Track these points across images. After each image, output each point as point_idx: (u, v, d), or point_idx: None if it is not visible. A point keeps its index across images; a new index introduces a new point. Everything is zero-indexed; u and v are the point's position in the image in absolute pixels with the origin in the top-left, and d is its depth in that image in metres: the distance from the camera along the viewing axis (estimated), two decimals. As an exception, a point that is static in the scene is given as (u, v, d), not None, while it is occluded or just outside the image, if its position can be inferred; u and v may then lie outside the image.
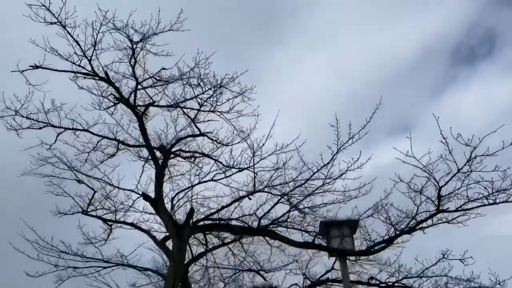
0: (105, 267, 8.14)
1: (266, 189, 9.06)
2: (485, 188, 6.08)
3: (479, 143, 5.47)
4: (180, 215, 8.44)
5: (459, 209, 6.50)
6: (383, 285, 8.89)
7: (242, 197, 9.14)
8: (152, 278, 8.90)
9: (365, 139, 7.16)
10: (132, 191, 8.00)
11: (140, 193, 7.69)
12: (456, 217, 7.39)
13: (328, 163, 7.09)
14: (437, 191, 6.33)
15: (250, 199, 9.25)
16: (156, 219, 9.91)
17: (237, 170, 8.32)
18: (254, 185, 9.03)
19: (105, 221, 9.63)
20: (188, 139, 9.30)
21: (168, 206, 8.62)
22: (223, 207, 9.06)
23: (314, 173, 7.30)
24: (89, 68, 7.97)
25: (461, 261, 7.66)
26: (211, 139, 9.28)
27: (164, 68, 7.79)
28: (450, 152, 5.59)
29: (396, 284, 8.68)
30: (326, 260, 10.57)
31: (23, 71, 7.60)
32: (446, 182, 6.13)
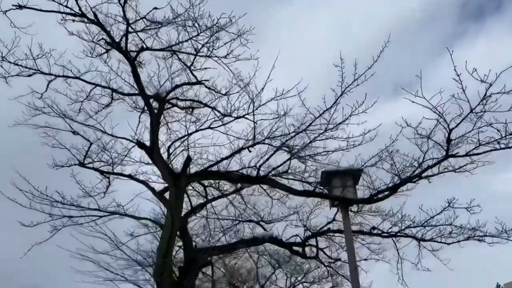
0: (101, 216, 7.98)
1: (266, 141, 8.76)
2: (498, 131, 5.71)
3: (495, 80, 5.05)
4: (177, 165, 8.16)
5: (469, 153, 6.16)
6: (385, 234, 8.76)
7: (241, 149, 8.84)
8: (150, 228, 8.78)
9: (369, 88, 6.72)
10: (127, 139, 7.69)
11: (135, 141, 7.38)
12: (464, 165, 7.08)
13: (331, 106, 6.69)
14: (447, 134, 5.97)
15: (250, 151, 8.96)
16: (155, 171, 9.72)
17: (236, 117, 7.93)
18: (254, 137, 8.71)
19: (102, 173, 9.43)
20: (184, 87, 8.90)
21: (164, 156, 8.36)
22: (222, 159, 8.79)
23: (316, 118, 6.91)
24: (76, 9, 7.47)
25: (467, 210, 7.43)
26: (209, 88, 8.88)
27: (156, 8, 7.26)
28: (463, 91, 5.18)
29: (399, 234, 8.53)
30: (328, 212, 10.43)
31: (6, 11, 7.11)
32: (457, 124, 5.75)
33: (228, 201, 10.99)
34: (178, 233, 9.02)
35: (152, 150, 7.14)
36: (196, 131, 7.74)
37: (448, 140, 6.03)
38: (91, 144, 9.12)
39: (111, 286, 6.89)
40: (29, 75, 8.37)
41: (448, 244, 8.13)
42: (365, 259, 10.88)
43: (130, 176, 9.38)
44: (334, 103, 6.61)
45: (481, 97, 5.28)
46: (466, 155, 6.21)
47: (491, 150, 6.01)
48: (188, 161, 7.23)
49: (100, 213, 8.02)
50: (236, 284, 17.01)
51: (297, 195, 7.25)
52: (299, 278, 19.04)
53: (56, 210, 7.54)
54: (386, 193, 6.98)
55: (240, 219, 10.29)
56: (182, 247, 8.33)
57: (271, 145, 8.53)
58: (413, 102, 5.35)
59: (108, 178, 9.52)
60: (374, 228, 8.97)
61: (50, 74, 8.32)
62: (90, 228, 7.32)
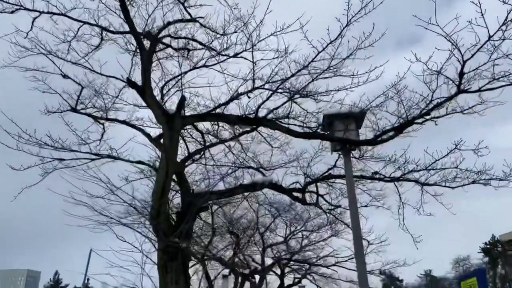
0: (93, 159, 7.70)
1: (266, 86, 8.32)
2: (514, 63, 5.27)
3: (518, 3, 4.55)
4: (171, 108, 7.76)
5: (482, 89, 5.76)
6: (387, 179, 8.54)
7: (239, 94, 8.43)
8: (146, 172, 8.54)
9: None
10: (117, 78, 7.24)
11: (125, 79, 6.94)
12: (473, 106, 6.71)
13: (335, 39, 6.17)
14: (460, 66, 5.52)
15: (249, 97, 8.57)
16: (151, 118, 9.38)
17: (233, 55, 7.43)
18: (254, 80, 8.27)
19: (96, 119, 9.10)
20: (178, 26, 8.34)
21: (158, 98, 7.96)
22: (219, 105, 8.41)
23: (319, 52, 6.42)
24: None
25: (475, 152, 7.13)
26: (204, 26, 8.32)
27: None
28: (482, 15, 4.68)
29: (401, 178, 8.30)
30: (329, 158, 10.20)
31: None
32: (472, 55, 5.30)
33: (227, 149, 10.76)
34: (175, 178, 8.83)
35: (143, 90, 6.72)
36: (191, 70, 7.27)
37: (461, 74, 5.60)
38: (82, 88, 8.74)
39: (106, 230, 6.71)
40: (12, 12, 7.89)
41: (453, 188, 7.92)
42: (366, 206, 10.78)
43: (124, 122, 9.06)
44: (339, 35, 6.09)
45: (500, 23, 4.79)
46: (479, 90, 5.81)
47: (505, 85, 5.59)
48: (182, 100, 6.84)
49: (92, 156, 7.72)
50: (236, 233, 17.14)
51: (297, 137, 6.91)
52: (299, 227, 19.25)
53: (46, 153, 7.26)
54: (390, 134, 6.63)
55: (239, 166, 10.07)
56: (180, 192, 8.13)
57: (271, 90, 8.11)
58: (426, 28, 4.86)
59: (103, 124, 9.21)
60: (376, 173, 8.74)
61: (34, 10, 7.83)
62: (83, 172, 7.04)
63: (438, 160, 7.47)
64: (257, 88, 8.42)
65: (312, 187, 10.33)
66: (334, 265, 20.00)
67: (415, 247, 8.50)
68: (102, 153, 7.85)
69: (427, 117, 6.91)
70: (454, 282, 69.72)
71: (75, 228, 6.66)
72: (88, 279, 37.76)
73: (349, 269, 19.37)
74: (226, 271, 18.58)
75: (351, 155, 8.31)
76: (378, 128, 6.81)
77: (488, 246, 63.12)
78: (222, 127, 10.89)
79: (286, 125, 8.01)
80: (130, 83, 6.84)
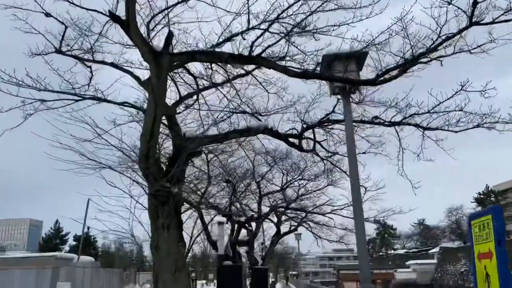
0: (76, 100, 7.28)
1: (262, 26, 7.75)
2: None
3: None
4: (159, 45, 7.23)
5: (496, 20, 5.27)
6: (387, 123, 8.21)
7: (233, 35, 7.88)
8: (134, 116, 8.16)
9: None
10: (100, 12, 6.63)
11: (108, 12, 6.36)
12: (482, 45, 6.23)
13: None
14: (474, -6, 5.00)
15: (244, 39, 8.04)
16: (141, 62, 8.88)
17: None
18: (249, 21, 7.68)
19: (82, 61, 8.57)
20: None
21: (145, 36, 7.40)
22: (212, 46, 7.88)
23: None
24: None
25: (481, 93, 6.74)
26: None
27: None
28: None
29: (402, 122, 7.97)
30: (327, 104, 9.82)
31: None
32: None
33: (222, 94, 10.32)
34: (166, 123, 8.48)
35: (128, 24, 6.18)
36: (179, 2, 6.66)
37: (475, 3, 5.09)
38: (66, 27, 8.16)
39: (92, 174, 6.44)
40: None
41: (456, 132, 7.62)
42: (364, 153, 10.54)
43: (112, 64, 8.55)
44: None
45: None
46: (493, 22, 5.32)
47: (523, 16, 5.10)
48: (170, 36, 6.32)
49: (76, 98, 7.30)
50: (232, 182, 17.09)
51: (294, 76, 6.47)
52: (296, 176, 19.24)
53: (27, 93, 6.82)
54: (394, 73, 6.19)
55: (234, 111, 9.68)
56: (171, 136, 7.80)
57: (268, 22, 7.55)
58: None
59: (90, 67, 8.71)
60: (376, 117, 8.39)
61: None
62: (67, 114, 6.67)
63: (442, 102, 7.10)
64: (253, 28, 7.87)
65: (309, 134, 10.02)
66: (329, 213, 20.22)
67: (414, 193, 8.32)
68: (87, 95, 7.41)
69: (434, 55, 6.45)
70: (447, 230, 71.86)
71: (63, 173, 6.40)
72: (88, 228, 38.50)
73: (345, 217, 19.60)
74: (223, 219, 18.75)
75: (351, 99, 7.94)
76: (381, 68, 6.35)
77: (482, 196, 64.38)
78: (216, 71, 10.41)
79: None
80: (113, 17, 6.29)
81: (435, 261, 63.32)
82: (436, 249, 65.67)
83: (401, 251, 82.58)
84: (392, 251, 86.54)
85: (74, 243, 54.92)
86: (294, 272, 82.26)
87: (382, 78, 6.19)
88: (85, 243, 44.59)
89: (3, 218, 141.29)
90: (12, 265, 26.52)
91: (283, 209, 21.41)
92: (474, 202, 65.53)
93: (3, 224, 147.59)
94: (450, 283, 55.54)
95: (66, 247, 57.95)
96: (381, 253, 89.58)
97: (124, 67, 8.56)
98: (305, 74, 6.58)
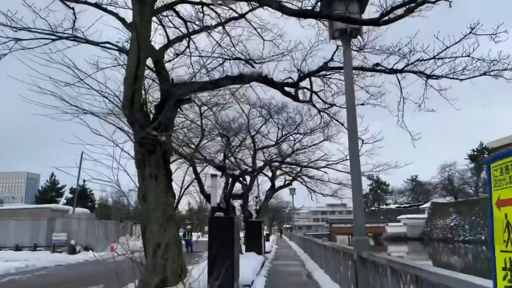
0: (53, 40, 6.70)
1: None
2: None
3: None
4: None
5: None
6: (389, 71, 7.75)
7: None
8: (119, 60, 7.61)
9: None
10: None
11: None
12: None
13: None
14: None
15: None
16: (126, 2, 8.22)
17: None
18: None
19: (64, 1, 7.89)
20: None
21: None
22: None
23: None
24: None
25: (491, 37, 6.25)
26: None
27: None
28: None
29: (405, 69, 7.51)
30: (325, 53, 9.28)
31: None
32: None
33: (215, 41, 9.72)
34: (154, 68, 7.96)
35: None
36: None
37: None
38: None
39: (73, 119, 6.01)
40: None
41: (461, 80, 7.19)
42: (362, 104, 10.14)
43: (96, 5, 7.90)
44: None
45: None
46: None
47: None
48: (153, -33, 5.69)
49: (53, 37, 6.72)
50: (227, 136, 16.73)
51: (290, 15, 5.89)
52: (291, 131, 18.88)
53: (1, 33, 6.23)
54: (399, 12, 5.64)
55: (227, 57, 9.15)
56: (158, 81, 7.32)
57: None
58: None
59: (73, 9, 8.05)
60: (377, 64, 7.91)
61: None
62: (45, 56, 6.12)
63: (449, 47, 6.60)
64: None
65: (306, 84, 9.56)
66: (324, 167, 20.08)
67: (413, 145, 8.01)
68: (65, 34, 6.83)
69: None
70: (439, 187, 72.87)
71: (42, 118, 5.96)
72: (84, 181, 38.49)
73: (340, 171, 19.49)
74: (218, 173, 18.55)
75: (351, 46, 7.42)
76: (386, 6, 5.80)
77: (476, 153, 64.78)
78: (208, 14, 9.74)
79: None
80: None
81: (425, 215, 64.74)
82: (427, 204, 66.93)
83: (393, 206, 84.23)
84: (384, 206, 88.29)
85: (70, 195, 55.21)
86: (288, 226, 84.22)
87: (386, 18, 5.64)
88: (81, 196, 44.87)
89: (0, 171, 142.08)
90: (8, 216, 26.65)
91: (277, 164, 21.25)
92: (467, 159, 66.03)
93: (2, 177, 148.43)
94: (439, 236, 57.13)
95: (63, 200, 58.37)
96: (373, 208, 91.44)
97: (109, 9, 7.96)
98: (303, 13, 6.01)
